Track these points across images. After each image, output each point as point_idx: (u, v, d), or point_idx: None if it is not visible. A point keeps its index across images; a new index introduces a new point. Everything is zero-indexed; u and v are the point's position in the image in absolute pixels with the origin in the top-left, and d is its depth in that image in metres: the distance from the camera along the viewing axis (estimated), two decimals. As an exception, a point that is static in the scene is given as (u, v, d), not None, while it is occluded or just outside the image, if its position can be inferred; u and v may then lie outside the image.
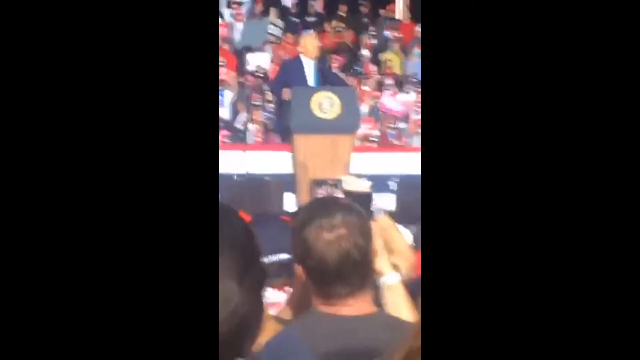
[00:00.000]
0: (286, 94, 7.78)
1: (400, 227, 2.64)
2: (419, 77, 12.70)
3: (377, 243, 2.10)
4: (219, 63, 12.28)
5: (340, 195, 2.29)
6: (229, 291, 1.16)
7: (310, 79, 8.19)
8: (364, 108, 11.57)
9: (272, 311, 2.10)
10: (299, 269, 1.95)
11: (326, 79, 8.38)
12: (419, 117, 11.95)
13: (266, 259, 2.55)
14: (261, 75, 12.36)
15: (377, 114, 12.30)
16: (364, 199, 2.25)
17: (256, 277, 1.22)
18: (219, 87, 11.54)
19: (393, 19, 14.67)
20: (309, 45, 8.36)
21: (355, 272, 1.90)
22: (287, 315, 2.13)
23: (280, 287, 2.73)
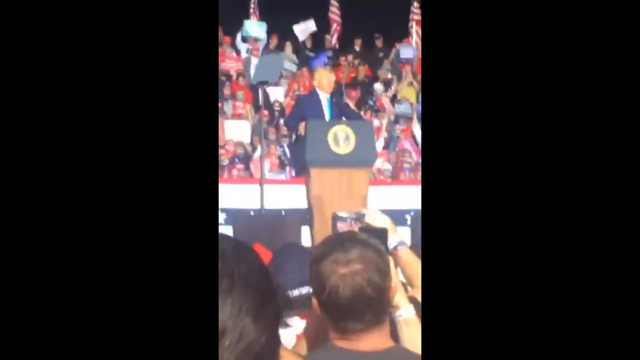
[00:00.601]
0: (302, 127, 7.81)
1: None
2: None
3: (396, 278, 2.09)
4: (238, 97, 12.38)
5: (358, 229, 2.28)
6: (243, 328, 1.15)
7: (326, 113, 8.21)
8: (379, 143, 11.60)
9: (287, 346, 2.09)
10: (315, 303, 1.95)
11: (341, 112, 8.40)
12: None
13: (290, 293, 2.54)
14: (277, 109, 12.44)
15: (393, 145, 12.33)
16: (381, 234, 2.24)
17: (272, 313, 1.22)
18: (236, 119, 11.63)
19: (403, 45, 14.71)
20: (324, 79, 8.39)
21: (369, 308, 1.89)
22: (302, 350, 2.11)
23: (304, 316, 2.72)
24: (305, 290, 2.50)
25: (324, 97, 8.25)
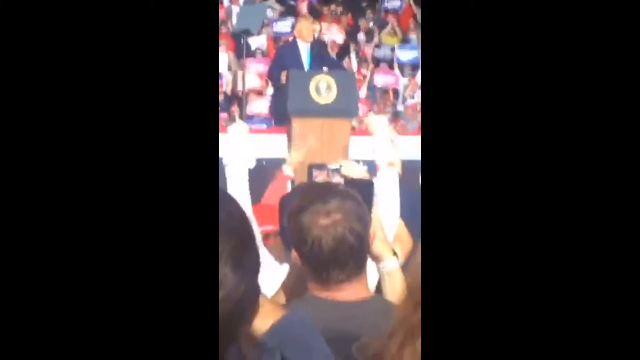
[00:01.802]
0: (283, 77, 7.79)
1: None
2: (416, 61, 12.71)
3: (377, 228, 2.10)
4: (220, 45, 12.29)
5: (339, 180, 2.27)
6: (223, 275, 1.16)
7: (305, 64, 8.20)
8: (362, 92, 11.57)
9: (266, 295, 2.10)
10: (294, 254, 1.95)
11: (323, 62, 8.38)
12: (415, 101, 11.97)
13: None
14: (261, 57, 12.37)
15: (374, 95, 12.31)
16: (366, 187, 2.24)
17: (251, 261, 1.22)
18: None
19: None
20: (304, 30, 8.35)
21: (352, 257, 1.90)
22: (281, 299, 2.13)
23: None
24: None
25: (304, 48, 8.22)
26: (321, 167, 2.58)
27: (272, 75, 8.90)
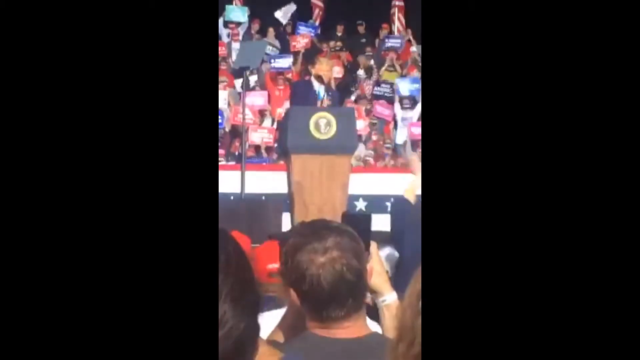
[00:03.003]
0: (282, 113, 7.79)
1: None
2: (415, 95, 12.76)
3: (375, 262, 2.11)
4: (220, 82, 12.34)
5: (342, 214, 2.27)
6: (224, 314, 1.17)
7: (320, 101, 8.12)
8: (360, 124, 11.59)
9: (265, 334, 2.09)
10: (292, 293, 1.95)
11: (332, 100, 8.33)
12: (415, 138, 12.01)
13: None
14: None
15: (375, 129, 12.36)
16: (364, 221, 2.24)
17: (251, 300, 1.23)
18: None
19: (390, 36, 14.72)
20: (324, 69, 8.18)
21: (350, 294, 1.90)
22: (280, 338, 2.12)
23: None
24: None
25: (318, 85, 8.14)
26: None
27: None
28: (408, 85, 13.03)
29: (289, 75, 13.14)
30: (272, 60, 13.08)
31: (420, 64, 12.99)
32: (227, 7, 14.05)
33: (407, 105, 12.86)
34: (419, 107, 12.21)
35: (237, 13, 14.04)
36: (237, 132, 11.45)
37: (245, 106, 10.07)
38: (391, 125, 12.93)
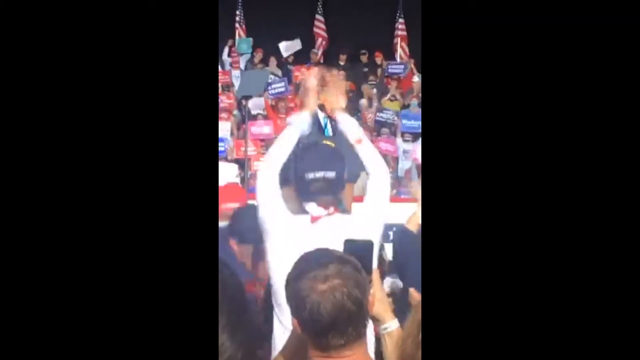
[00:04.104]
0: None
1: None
2: (416, 126, 12.78)
3: (377, 289, 2.10)
4: (220, 108, 12.35)
5: (344, 241, 2.26)
6: (222, 344, 1.16)
7: (326, 131, 8.11)
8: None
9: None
10: (293, 320, 1.94)
11: (332, 129, 8.33)
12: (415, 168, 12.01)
13: (311, 175, 2.63)
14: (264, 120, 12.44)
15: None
16: (366, 247, 2.22)
17: (248, 327, 1.22)
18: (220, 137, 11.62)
19: (393, 62, 14.78)
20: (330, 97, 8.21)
21: (351, 323, 1.89)
22: (281, 367, 2.11)
23: (325, 206, 2.92)
24: (329, 174, 2.60)
25: (322, 116, 8.15)
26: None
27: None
28: (408, 123, 13.04)
29: (292, 105, 13.15)
30: (270, 88, 13.09)
31: (420, 94, 13.03)
32: (237, 40, 14.20)
33: (408, 139, 12.87)
34: (419, 141, 12.21)
35: (243, 45, 14.15)
36: (241, 164, 11.47)
37: (250, 136, 10.07)
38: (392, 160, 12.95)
